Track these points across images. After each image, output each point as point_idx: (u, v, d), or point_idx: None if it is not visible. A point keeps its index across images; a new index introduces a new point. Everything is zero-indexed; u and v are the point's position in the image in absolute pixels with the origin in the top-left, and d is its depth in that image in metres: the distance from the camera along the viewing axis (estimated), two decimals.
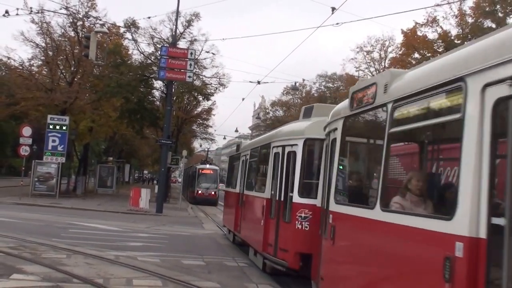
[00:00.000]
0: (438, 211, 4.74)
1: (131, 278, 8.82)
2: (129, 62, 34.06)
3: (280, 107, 59.03)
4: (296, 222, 8.87)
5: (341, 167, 6.95)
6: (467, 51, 4.39)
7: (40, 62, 34.59)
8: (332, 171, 7.06)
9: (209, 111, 43.64)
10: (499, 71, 3.63)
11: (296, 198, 9.09)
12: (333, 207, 6.78)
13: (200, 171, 40.57)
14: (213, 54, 33.77)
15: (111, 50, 31.13)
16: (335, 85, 49.71)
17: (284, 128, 11.34)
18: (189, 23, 33.37)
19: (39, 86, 32.32)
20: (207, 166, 42.51)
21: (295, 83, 38.98)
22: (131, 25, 32.52)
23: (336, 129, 7.10)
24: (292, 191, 9.24)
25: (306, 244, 8.63)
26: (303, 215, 8.83)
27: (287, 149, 9.77)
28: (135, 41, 33.53)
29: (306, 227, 8.80)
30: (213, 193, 39.33)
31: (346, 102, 6.99)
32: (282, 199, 9.61)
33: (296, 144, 9.50)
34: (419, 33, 30.59)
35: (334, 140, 7.16)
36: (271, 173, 10.40)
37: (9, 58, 34.42)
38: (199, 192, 38.97)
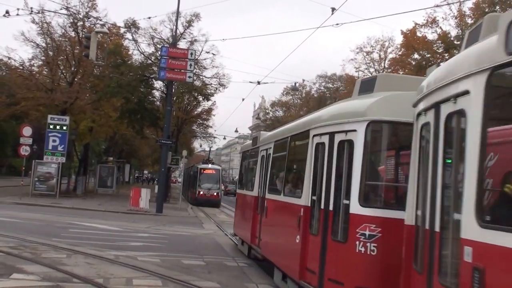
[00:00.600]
0: None
1: (131, 278, 8.85)
2: (129, 62, 34.09)
3: (280, 107, 59.18)
4: (357, 242, 6.25)
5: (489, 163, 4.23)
6: None
7: (40, 62, 34.64)
8: (457, 169, 4.29)
9: (209, 111, 43.65)
10: None
11: (356, 208, 6.43)
12: (477, 234, 3.74)
13: (202, 171, 39.06)
14: (213, 54, 33.88)
15: (111, 50, 31.16)
16: (334, 85, 49.76)
17: (329, 109, 8.39)
18: (189, 23, 33.44)
19: (39, 86, 32.33)
20: (209, 165, 41.15)
21: (295, 83, 38.71)
22: (131, 25, 32.60)
23: (464, 93, 4.06)
24: (347, 198, 6.59)
25: (374, 276, 6.19)
26: (367, 232, 6.21)
27: (338, 138, 7.01)
28: (135, 41, 33.64)
29: (373, 251, 6.18)
30: (215, 194, 37.96)
31: (490, 42, 3.89)
32: (330, 208, 6.93)
33: (354, 130, 6.67)
34: (418, 34, 30.67)
35: (456, 115, 4.27)
36: (311, 171, 7.75)
37: (9, 58, 34.48)
38: (201, 193, 37.51)
